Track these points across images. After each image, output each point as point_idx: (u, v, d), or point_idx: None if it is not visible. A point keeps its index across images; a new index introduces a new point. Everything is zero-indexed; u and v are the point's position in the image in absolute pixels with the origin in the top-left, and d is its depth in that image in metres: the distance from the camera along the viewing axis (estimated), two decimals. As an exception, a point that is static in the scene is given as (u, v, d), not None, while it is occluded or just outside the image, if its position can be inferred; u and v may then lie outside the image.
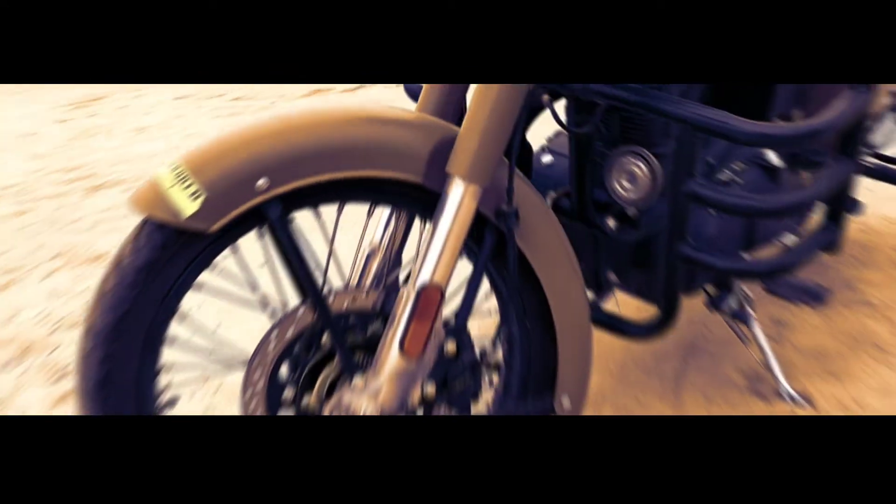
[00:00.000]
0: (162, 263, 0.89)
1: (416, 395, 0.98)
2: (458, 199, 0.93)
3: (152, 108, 3.63)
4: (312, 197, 0.94)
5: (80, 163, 2.85)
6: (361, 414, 0.95)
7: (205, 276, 0.94)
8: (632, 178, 1.20)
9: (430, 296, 0.93)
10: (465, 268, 0.99)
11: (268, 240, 0.93)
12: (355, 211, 1.03)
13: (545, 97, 1.19)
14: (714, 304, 1.44)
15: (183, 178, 0.87)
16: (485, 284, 1.04)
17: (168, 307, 0.91)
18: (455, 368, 1.00)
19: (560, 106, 1.21)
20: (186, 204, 0.86)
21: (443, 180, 0.95)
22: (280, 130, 0.91)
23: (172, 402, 0.99)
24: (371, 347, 0.98)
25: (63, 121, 3.21)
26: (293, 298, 0.97)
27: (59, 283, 2.10)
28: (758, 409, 1.44)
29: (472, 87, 1.00)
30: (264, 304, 1.01)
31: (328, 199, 0.96)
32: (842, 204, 1.15)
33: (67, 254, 2.27)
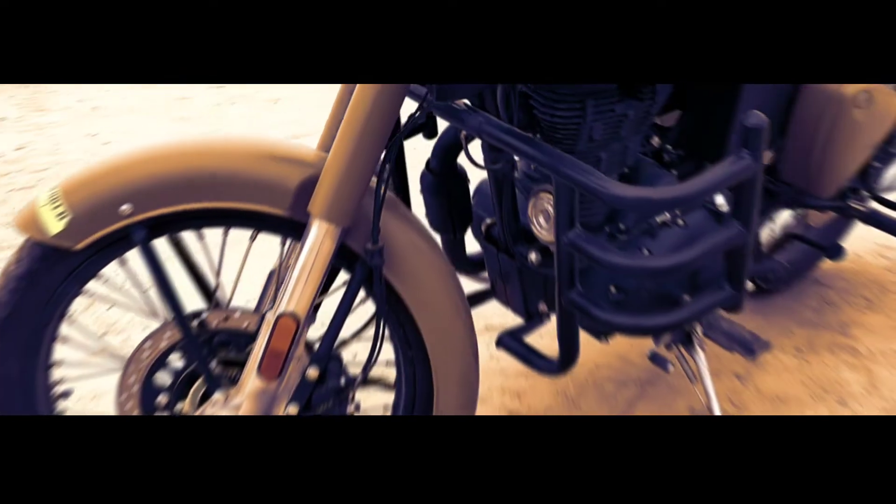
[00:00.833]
0: (40, 274, 0.97)
1: (287, 408, 1.03)
2: (316, 239, 0.96)
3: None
4: (185, 222, 1.00)
5: (215, 128, 3.01)
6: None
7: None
8: (546, 215, 1.19)
9: (286, 325, 0.97)
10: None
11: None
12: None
13: (462, 134, 1.19)
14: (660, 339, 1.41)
15: (55, 200, 0.94)
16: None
17: (48, 313, 0.99)
18: (319, 393, 1.04)
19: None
20: (53, 224, 0.93)
21: (308, 216, 0.98)
22: (148, 159, 0.96)
23: (66, 394, 1.09)
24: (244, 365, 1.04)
25: (221, 86, 3.36)
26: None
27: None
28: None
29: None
30: (153, 312, 1.08)
31: (201, 225, 1.01)
32: (741, 264, 1.10)
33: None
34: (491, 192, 1.23)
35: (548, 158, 0.99)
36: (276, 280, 1.14)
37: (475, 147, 1.20)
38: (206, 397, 1.05)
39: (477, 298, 1.47)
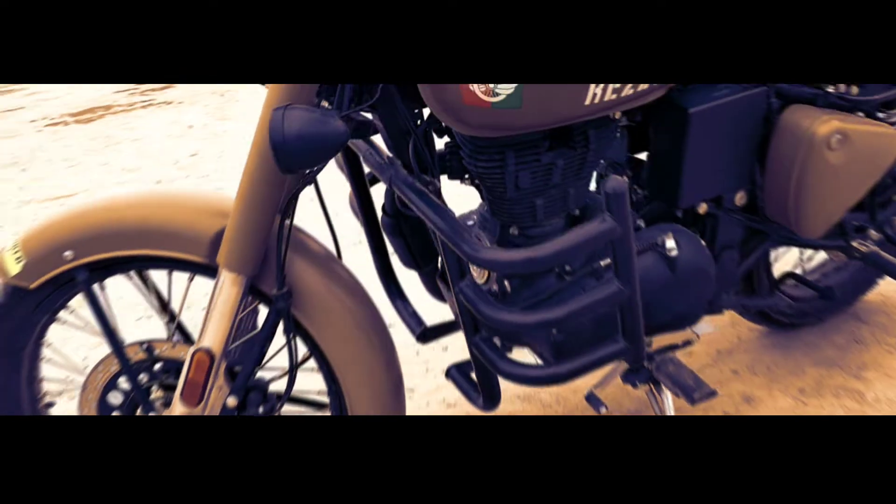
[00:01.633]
0: (10, 307, 1.15)
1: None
2: (222, 287, 1.08)
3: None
4: (124, 265, 1.15)
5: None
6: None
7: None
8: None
9: (201, 359, 1.10)
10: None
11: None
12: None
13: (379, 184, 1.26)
14: (627, 377, 1.41)
15: (15, 247, 1.12)
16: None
17: (23, 338, 1.18)
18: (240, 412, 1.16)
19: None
20: (13, 267, 1.11)
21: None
22: (91, 211, 1.12)
23: (50, 405, 1.28)
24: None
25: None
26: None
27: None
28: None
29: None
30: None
31: (139, 268, 1.16)
32: (632, 319, 1.10)
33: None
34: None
35: (431, 216, 1.05)
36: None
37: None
38: (154, 415, 1.20)
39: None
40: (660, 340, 1.35)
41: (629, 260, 1.02)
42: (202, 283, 1.22)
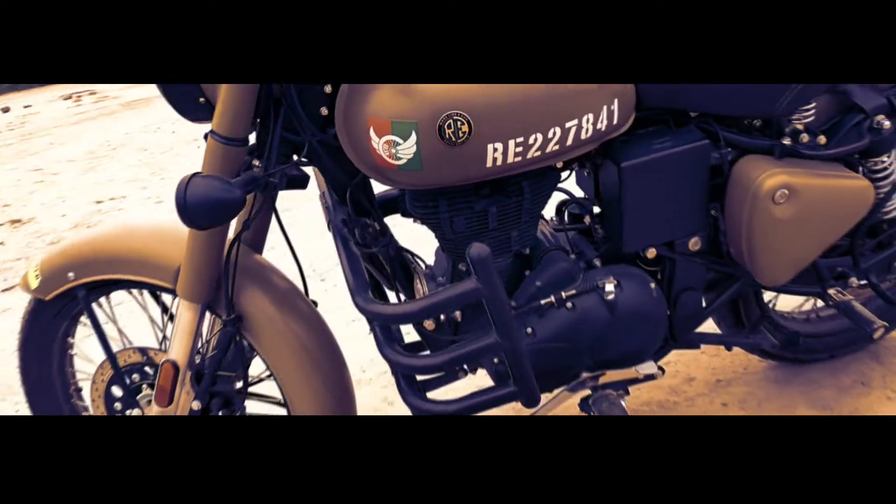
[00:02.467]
0: (37, 313, 1.42)
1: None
2: (181, 312, 1.28)
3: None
4: (116, 285, 1.38)
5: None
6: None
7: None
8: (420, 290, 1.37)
9: (167, 368, 1.31)
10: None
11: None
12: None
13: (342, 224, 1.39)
14: (583, 404, 1.49)
15: (35, 267, 1.38)
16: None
17: (49, 338, 1.45)
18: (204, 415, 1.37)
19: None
20: (33, 282, 1.37)
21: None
22: (90, 238, 1.35)
23: (78, 389, 1.55)
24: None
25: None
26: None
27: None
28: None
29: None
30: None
31: (128, 288, 1.39)
32: (516, 366, 1.17)
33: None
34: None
35: (343, 264, 1.20)
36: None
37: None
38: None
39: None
40: (619, 375, 1.42)
41: (503, 315, 1.12)
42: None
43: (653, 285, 1.37)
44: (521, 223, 1.33)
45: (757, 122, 1.37)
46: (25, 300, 1.45)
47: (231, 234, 1.30)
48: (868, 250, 1.52)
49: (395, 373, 1.28)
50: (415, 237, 1.96)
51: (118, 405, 1.44)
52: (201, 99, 1.19)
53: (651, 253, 1.39)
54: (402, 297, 1.44)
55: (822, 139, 1.35)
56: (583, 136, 1.19)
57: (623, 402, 1.44)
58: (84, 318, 1.47)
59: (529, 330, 1.34)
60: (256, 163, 1.20)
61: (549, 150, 1.18)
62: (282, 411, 1.43)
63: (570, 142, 1.18)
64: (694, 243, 1.39)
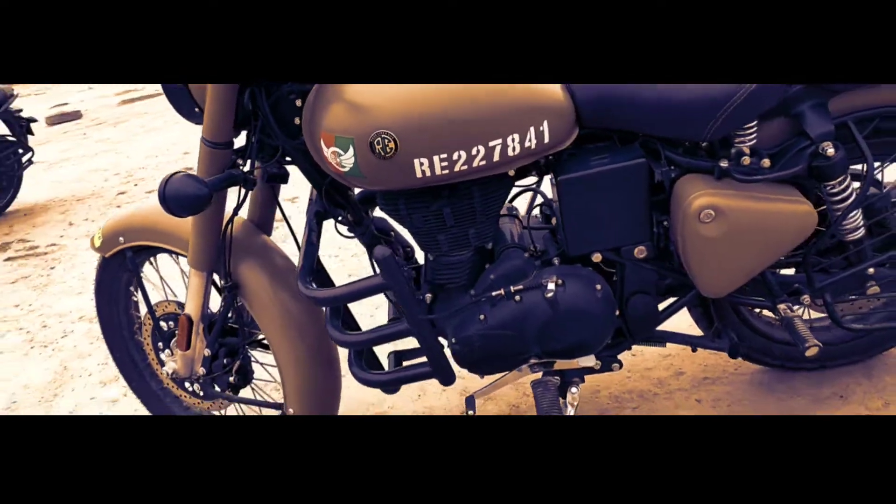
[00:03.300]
0: (104, 267, 1.79)
1: (198, 368, 1.70)
2: (191, 277, 1.58)
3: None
4: (156, 251, 1.71)
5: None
6: (169, 371, 1.71)
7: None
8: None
9: (183, 321, 1.63)
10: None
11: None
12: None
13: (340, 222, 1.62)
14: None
15: (99, 230, 1.74)
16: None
17: (116, 284, 1.82)
18: (212, 362, 1.67)
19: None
20: (97, 241, 1.73)
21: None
22: (139, 210, 1.68)
23: (139, 326, 1.92)
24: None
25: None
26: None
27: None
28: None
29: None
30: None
31: (167, 253, 1.71)
32: (431, 352, 1.36)
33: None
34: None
35: (300, 247, 1.44)
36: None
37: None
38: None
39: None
40: (563, 365, 1.58)
41: (408, 306, 1.32)
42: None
43: (599, 286, 1.49)
44: (476, 223, 1.50)
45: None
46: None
47: (241, 215, 1.59)
48: (837, 269, 1.55)
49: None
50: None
51: (161, 344, 1.78)
52: (196, 109, 1.46)
53: (596, 257, 1.51)
54: None
55: (766, 162, 1.41)
56: (510, 153, 1.34)
57: (575, 390, 1.60)
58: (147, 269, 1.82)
59: (482, 317, 1.52)
60: (240, 161, 1.46)
61: (475, 165, 1.34)
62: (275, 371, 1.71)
63: (496, 158, 1.34)
64: (639, 251, 1.50)
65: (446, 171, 1.34)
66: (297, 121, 1.43)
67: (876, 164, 1.51)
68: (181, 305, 1.73)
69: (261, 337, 1.76)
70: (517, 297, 1.50)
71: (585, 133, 1.46)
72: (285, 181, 1.56)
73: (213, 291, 1.63)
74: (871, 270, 1.53)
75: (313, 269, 1.45)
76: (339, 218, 1.55)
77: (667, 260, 1.55)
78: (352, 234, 1.59)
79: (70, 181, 5.44)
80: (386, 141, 1.30)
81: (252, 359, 1.73)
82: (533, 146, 1.35)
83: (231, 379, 1.68)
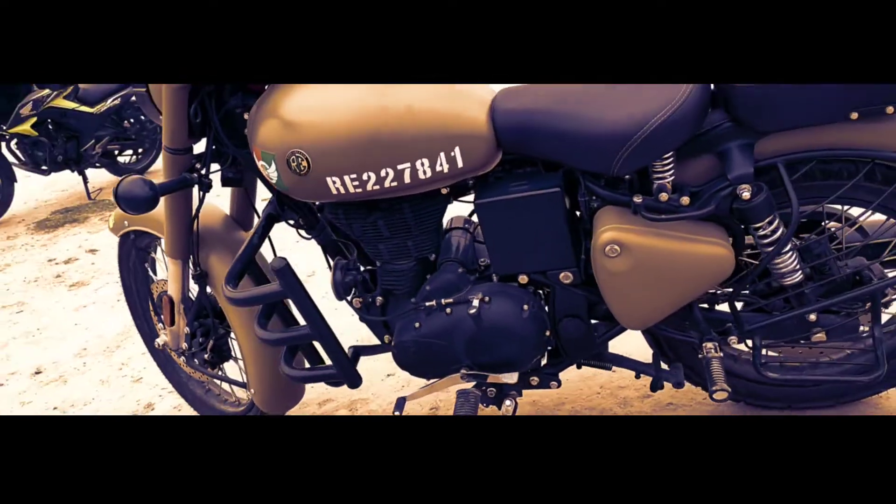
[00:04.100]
0: (121, 243, 2.03)
1: (182, 343, 1.90)
2: (170, 264, 1.77)
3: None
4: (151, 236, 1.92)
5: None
6: (160, 343, 1.92)
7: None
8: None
9: (166, 301, 1.83)
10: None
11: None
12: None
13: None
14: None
15: (112, 214, 1.97)
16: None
17: (132, 259, 2.05)
18: (192, 340, 1.87)
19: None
20: (111, 223, 1.96)
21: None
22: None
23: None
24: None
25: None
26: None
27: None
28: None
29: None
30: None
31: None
32: (331, 353, 1.44)
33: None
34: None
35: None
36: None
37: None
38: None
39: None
40: (494, 379, 1.63)
41: (307, 312, 1.43)
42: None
43: (526, 306, 1.53)
44: (412, 236, 1.57)
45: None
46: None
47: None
48: (778, 312, 1.50)
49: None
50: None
51: (155, 318, 2.00)
52: (160, 115, 1.62)
53: (522, 279, 1.55)
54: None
55: (685, 200, 1.38)
56: (421, 176, 1.40)
57: (509, 403, 1.64)
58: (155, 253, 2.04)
59: (418, 325, 1.60)
60: (199, 165, 1.61)
61: (387, 185, 1.42)
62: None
63: (408, 180, 1.41)
64: (565, 276, 1.51)
65: (359, 190, 1.43)
66: (246, 131, 1.56)
67: (862, 211, 1.42)
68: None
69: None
70: (448, 310, 1.56)
71: (513, 158, 1.49)
72: (241, 185, 1.70)
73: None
74: (813, 317, 1.46)
75: (243, 272, 1.59)
76: (292, 221, 1.67)
77: (595, 286, 1.55)
78: (309, 236, 1.71)
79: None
80: (300, 159, 1.40)
81: (232, 338, 1.90)
82: (445, 170, 1.41)
83: (206, 356, 1.86)
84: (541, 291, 1.60)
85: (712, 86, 1.36)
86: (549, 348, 1.65)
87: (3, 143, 4.94)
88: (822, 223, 1.49)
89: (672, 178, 1.38)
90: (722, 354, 1.49)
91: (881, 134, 1.32)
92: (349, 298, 1.71)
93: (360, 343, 2.09)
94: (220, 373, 1.94)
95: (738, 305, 1.54)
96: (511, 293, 1.54)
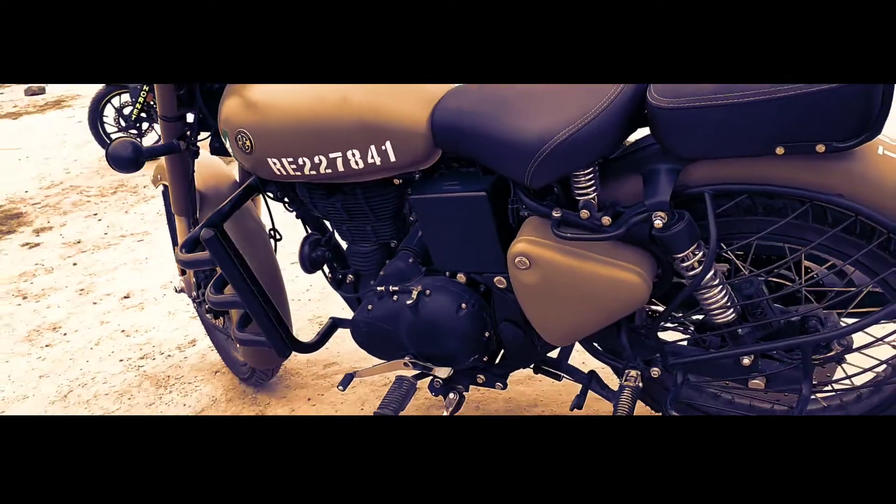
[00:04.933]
0: (164, 194, 2.23)
1: (193, 292, 2.07)
2: (178, 221, 1.93)
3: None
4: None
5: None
6: (177, 287, 2.11)
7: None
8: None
9: (177, 251, 2.00)
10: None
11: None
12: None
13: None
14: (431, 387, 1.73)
15: (155, 168, 2.16)
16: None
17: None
18: (198, 290, 2.03)
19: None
20: (153, 176, 2.16)
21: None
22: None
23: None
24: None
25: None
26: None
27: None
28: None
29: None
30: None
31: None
32: (265, 329, 1.51)
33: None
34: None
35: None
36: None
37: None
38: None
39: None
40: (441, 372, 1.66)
41: (234, 281, 1.52)
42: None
43: (464, 305, 1.53)
44: (371, 221, 1.62)
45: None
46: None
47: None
48: (714, 349, 1.40)
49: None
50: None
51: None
52: None
53: (460, 277, 1.55)
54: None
55: (605, 220, 1.31)
56: (353, 167, 1.44)
57: (453, 395, 1.67)
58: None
59: (370, 307, 1.65)
60: (189, 133, 1.75)
61: (322, 172, 1.47)
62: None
63: (341, 169, 1.45)
64: (499, 281, 1.50)
65: (298, 174, 1.49)
66: None
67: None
68: None
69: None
70: (394, 297, 1.60)
71: (457, 157, 1.48)
72: (228, 154, 1.81)
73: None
74: (747, 361, 1.35)
75: (198, 239, 1.70)
76: (270, 193, 1.76)
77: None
78: (291, 209, 1.80)
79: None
80: (244, 139, 1.49)
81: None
82: (378, 163, 1.43)
83: (206, 307, 2.02)
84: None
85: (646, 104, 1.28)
86: (495, 349, 1.64)
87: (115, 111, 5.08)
88: (779, 262, 1.36)
89: (594, 194, 1.32)
90: (641, 385, 1.41)
91: (821, 174, 1.18)
92: (325, 272, 1.79)
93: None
94: (224, 325, 2.10)
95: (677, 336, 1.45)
96: (452, 290, 1.54)
